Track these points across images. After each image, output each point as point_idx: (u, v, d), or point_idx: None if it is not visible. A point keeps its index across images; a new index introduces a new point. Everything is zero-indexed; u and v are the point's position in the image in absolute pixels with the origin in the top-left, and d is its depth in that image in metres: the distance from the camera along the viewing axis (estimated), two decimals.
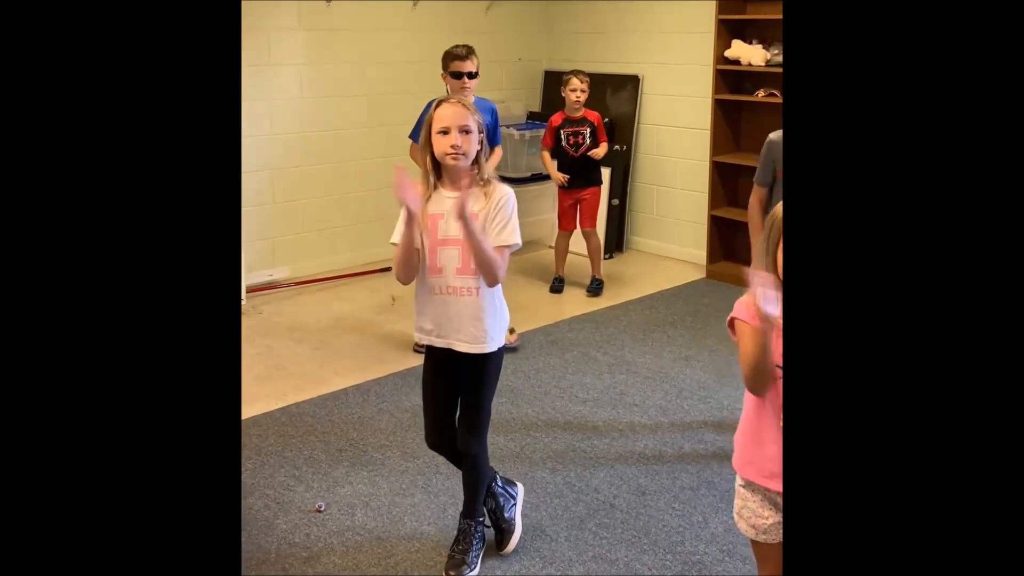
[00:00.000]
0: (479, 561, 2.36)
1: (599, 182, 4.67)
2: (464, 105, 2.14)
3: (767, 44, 4.77)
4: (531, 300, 4.57)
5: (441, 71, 3.62)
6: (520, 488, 2.52)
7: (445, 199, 2.14)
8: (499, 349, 2.22)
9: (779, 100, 4.65)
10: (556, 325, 4.24)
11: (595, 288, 4.67)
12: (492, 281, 2.12)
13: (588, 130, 4.53)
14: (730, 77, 4.91)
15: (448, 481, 2.76)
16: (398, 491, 2.72)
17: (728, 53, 4.81)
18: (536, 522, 2.55)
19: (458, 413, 2.28)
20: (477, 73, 3.60)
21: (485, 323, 2.16)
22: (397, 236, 2.12)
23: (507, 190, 2.15)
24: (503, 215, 2.13)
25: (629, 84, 5.48)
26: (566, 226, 4.67)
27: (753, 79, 4.89)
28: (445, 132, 2.10)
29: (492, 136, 3.65)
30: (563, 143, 4.55)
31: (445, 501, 2.65)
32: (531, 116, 5.84)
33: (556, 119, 4.58)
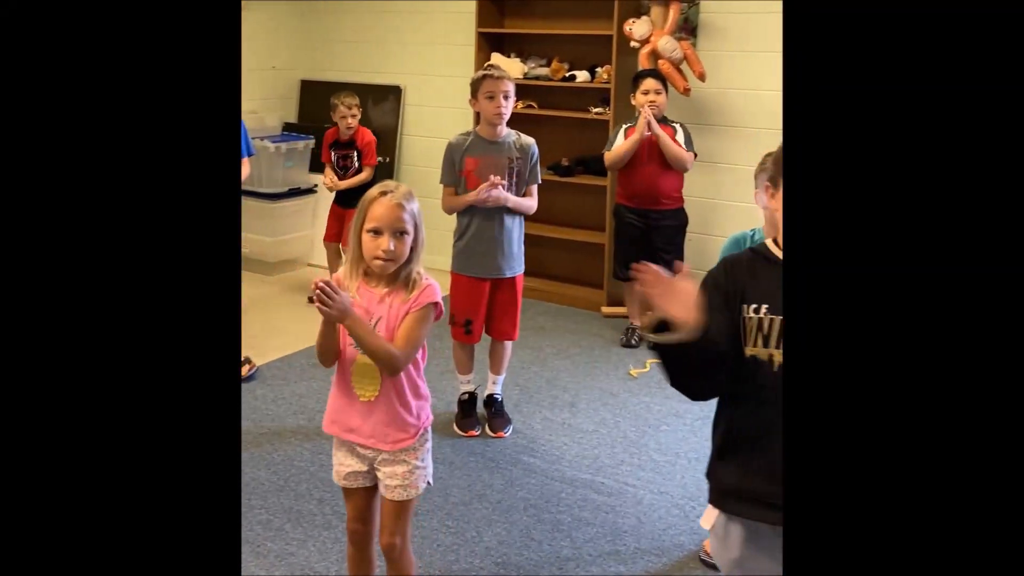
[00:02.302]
0: None
1: None
2: None
3: (524, 57, 4.89)
4: (290, 321, 4.33)
5: None
6: None
7: None
8: None
9: (536, 111, 4.78)
10: None
11: None
12: None
13: (355, 154, 4.48)
14: None
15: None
16: None
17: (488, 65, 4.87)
18: (304, 560, 2.37)
19: None
20: None
21: None
22: None
23: None
24: None
25: (391, 95, 5.40)
26: (330, 238, 4.60)
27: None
28: None
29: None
30: (335, 165, 4.49)
31: None
32: (287, 127, 5.58)
33: (330, 136, 4.52)
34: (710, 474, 1.58)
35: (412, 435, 1.89)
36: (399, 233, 1.79)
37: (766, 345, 1.44)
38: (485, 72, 2.97)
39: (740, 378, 1.45)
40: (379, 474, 1.91)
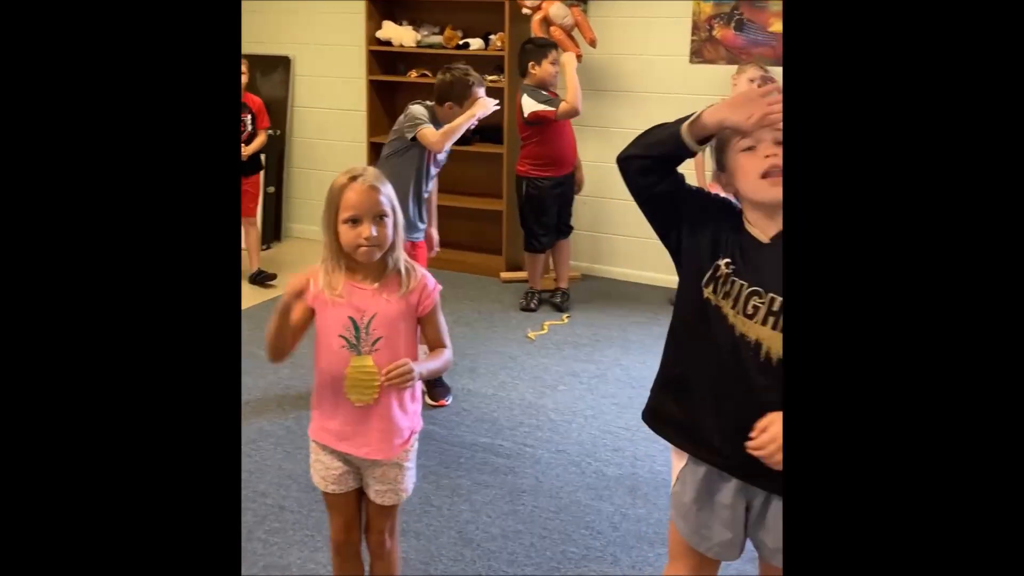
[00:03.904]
0: None
1: (259, 169, 4.51)
2: None
3: (417, 25, 4.82)
4: None
5: None
6: None
7: None
8: None
9: (431, 80, 4.72)
10: None
11: (258, 280, 4.45)
12: None
13: (249, 117, 4.31)
14: (383, 58, 4.89)
15: None
16: None
17: (380, 34, 4.78)
18: None
19: None
20: None
21: None
22: None
23: None
24: None
25: (280, 66, 5.25)
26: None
27: (406, 60, 4.92)
28: None
29: None
30: None
31: None
32: None
33: None
34: (654, 391, 1.62)
35: (407, 439, 1.81)
36: (379, 217, 1.69)
37: (724, 298, 1.45)
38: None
39: (696, 316, 1.47)
40: (368, 479, 1.82)
